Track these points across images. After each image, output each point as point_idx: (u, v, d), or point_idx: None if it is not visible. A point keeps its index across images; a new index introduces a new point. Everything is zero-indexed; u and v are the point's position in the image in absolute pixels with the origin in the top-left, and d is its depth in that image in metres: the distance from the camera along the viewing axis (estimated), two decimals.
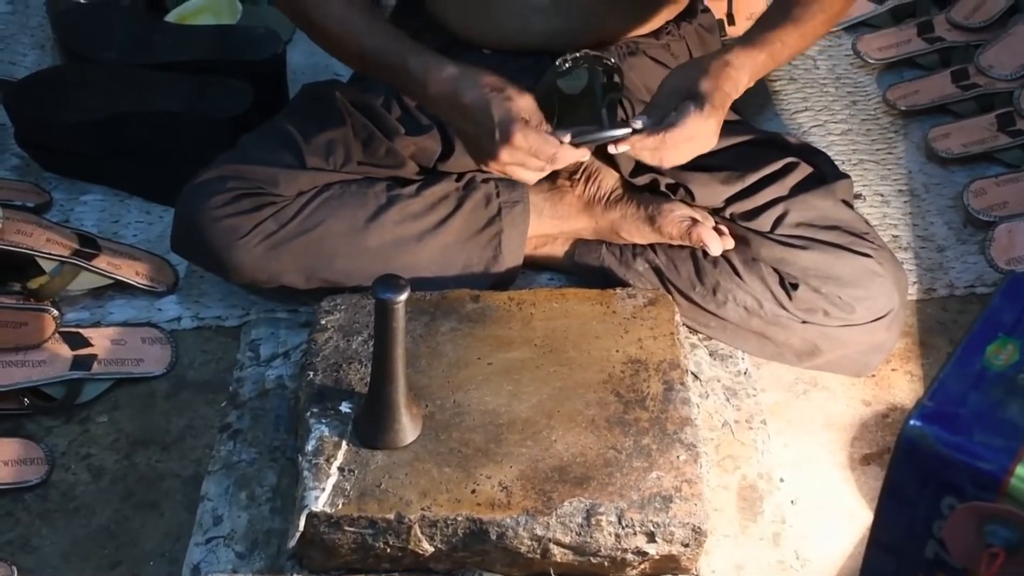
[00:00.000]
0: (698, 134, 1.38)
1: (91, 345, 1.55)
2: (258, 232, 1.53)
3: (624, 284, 1.61)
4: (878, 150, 1.96)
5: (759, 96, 2.00)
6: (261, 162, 1.56)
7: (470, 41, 1.63)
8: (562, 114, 1.45)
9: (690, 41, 1.71)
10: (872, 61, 2.10)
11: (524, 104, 1.38)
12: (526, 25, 1.60)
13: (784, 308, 1.53)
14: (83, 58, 1.86)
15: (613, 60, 1.49)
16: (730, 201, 1.60)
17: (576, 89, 1.48)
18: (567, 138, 1.37)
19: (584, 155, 1.41)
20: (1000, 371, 1.11)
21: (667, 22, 1.69)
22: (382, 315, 1.27)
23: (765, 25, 1.47)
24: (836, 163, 1.90)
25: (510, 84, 1.39)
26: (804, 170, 1.60)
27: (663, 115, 1.39)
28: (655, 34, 1.68)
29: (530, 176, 1.41)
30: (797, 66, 2.12)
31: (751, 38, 1.46)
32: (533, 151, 1.36)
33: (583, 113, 1.45)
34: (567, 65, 1.48)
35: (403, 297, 1.25)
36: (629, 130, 1.38)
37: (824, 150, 1.93)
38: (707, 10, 1.79)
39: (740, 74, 1.41)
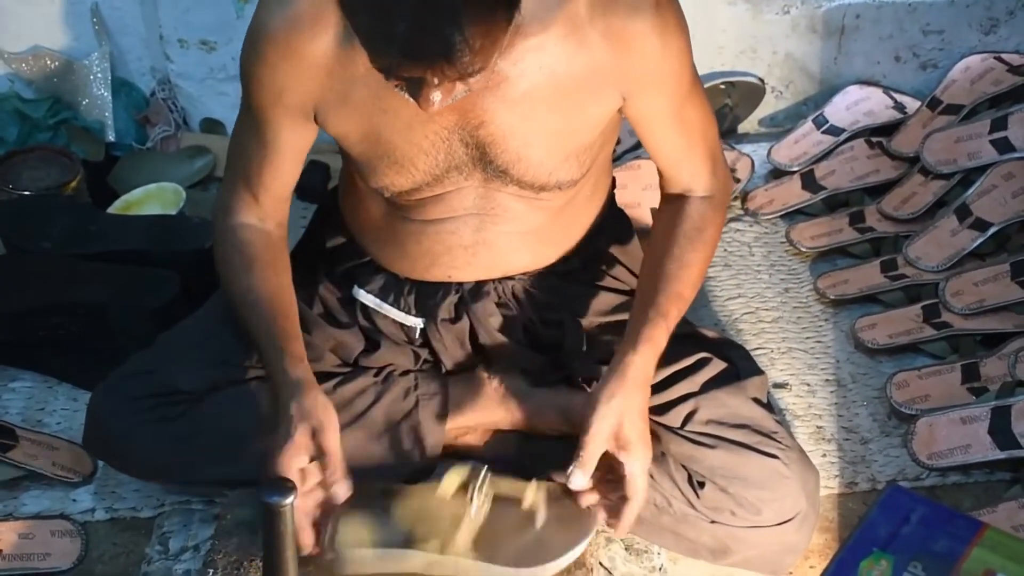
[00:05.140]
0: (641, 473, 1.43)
1: None
2: (168, 432, 1.54)
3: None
4: (808, 338, 1.98)
5: None
6: (175, 360, 1.57)
7: (383, 266, 1.65)
8: None
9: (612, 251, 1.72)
10: (805, 249, 2.13)
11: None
12: (435, 261, 1.60)
13: (692, 507, 1.52)
14: (21, 249, 1.90)
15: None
16: None
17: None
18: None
19: None
20: None
21: (580, 241, 1.67)
22: (269, 519, 1.27)
23: (645, 305, 1.50)
24: (765, 351, 1.94)
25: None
26: (717, 365, 1.61)
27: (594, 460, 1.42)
28: (566, 260, 1.65)
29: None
30: (732, 253, 2.16)
31: (638, 325, 1.49)
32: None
33: None
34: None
35: (289, 500, 1.25)
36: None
37: (754, 338, 1.97)
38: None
39: (644, 365, 1.46)
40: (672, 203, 1.59)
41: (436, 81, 1.19)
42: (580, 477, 1.42)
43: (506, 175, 1.48)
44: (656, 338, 1.47)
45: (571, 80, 1.40)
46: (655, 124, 1.50)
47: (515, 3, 1.18)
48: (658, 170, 1.59)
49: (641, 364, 1.45)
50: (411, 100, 1.24)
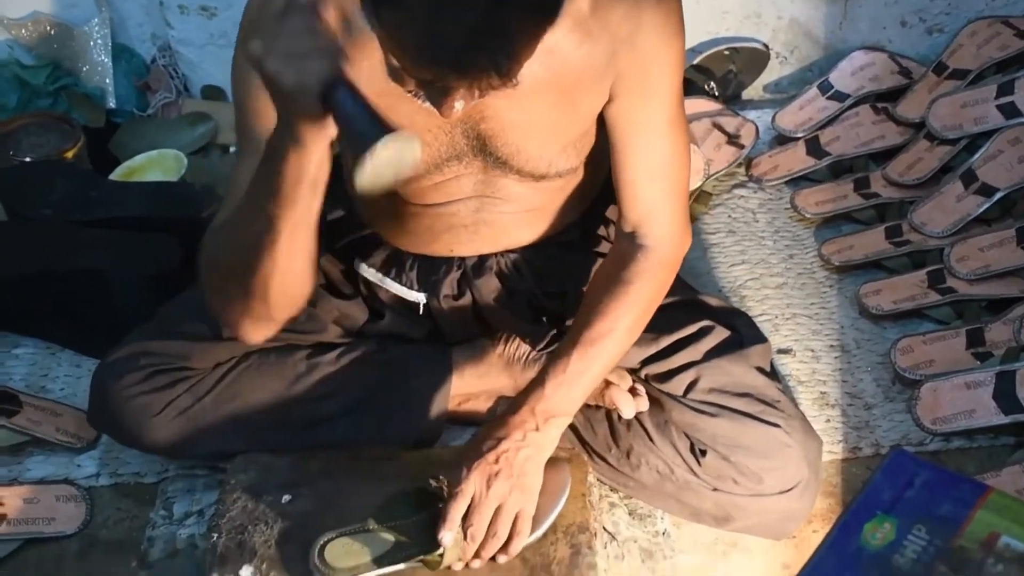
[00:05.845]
0: (477, 497, 1.40)
1: (2, 505, 1.54)
2: (172, 408, 1.54)
3: None
4: (812, 304, 1.97)
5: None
6: (176, 335, 1.57)
7: (385, 240, 1.65)
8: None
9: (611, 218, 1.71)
10: (809, 215, 2.12)
11: None
12: (437, 238, 1.60)
13: (694, 474, 1.52)
14: (22, 216, 1.90)
15: None
16: (646, 362, 1.60)
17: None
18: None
19: None
20: (876, 551, 1.11)
21: (583, 215, 1.68)
22: None
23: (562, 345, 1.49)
24: (769, 317, 1.93)
25: None
26: (720, 333, 1.60)
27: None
28: (567, 230, 1.66)
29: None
30: (736, 219, 2.15)
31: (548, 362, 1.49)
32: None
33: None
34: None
35: None
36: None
37: (758, 304, 1.97)
38: None
39: (530, 403, 1.45)
40: (618, 244, 1.54)
41: (464, 91, 1.15)
42: (448, 535, 1.39)
43: (506, 165, 1.48)
44: (548, 379, 1.46)
45: (571, 75, 1.39)
46: (630, 134, 1.46)
47: (555, 17, 1.14)
48: (618, 202, 1.53)
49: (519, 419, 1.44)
50: (426, 105, 1.20)
